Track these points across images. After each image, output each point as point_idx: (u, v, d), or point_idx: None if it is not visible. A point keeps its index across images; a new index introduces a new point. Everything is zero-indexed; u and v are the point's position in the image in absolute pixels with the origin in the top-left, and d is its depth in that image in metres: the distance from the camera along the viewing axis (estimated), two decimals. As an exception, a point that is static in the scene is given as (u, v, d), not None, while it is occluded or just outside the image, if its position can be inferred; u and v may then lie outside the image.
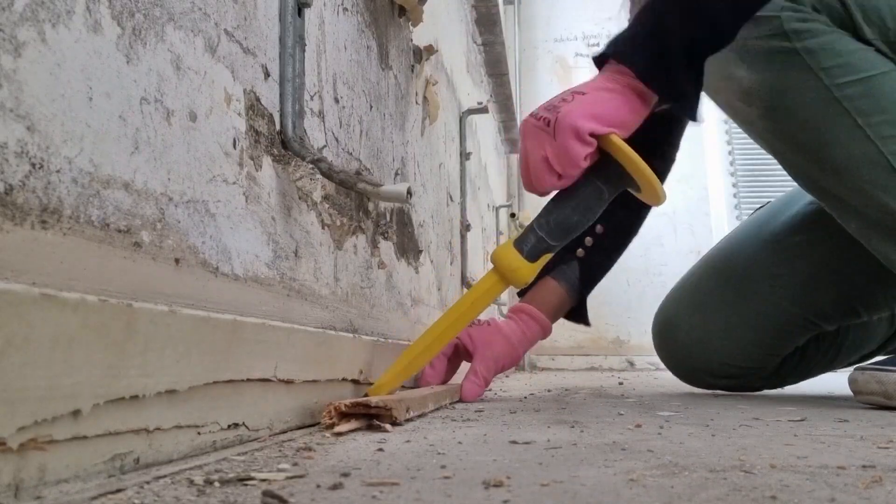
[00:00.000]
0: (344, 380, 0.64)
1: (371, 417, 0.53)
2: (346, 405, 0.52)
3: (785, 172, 0.85)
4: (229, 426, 0.43)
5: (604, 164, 0.64)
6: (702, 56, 0.68)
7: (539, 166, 0.64)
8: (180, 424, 0.37)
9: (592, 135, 0.63)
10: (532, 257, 0.63)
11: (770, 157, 0.86)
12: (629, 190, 0.68)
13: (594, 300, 0.97)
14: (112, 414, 0.32)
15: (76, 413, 0.29)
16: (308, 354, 0.55)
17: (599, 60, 0.70)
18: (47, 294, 0.28)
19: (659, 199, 0.66)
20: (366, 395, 0.63)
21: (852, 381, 0.75)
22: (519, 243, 0.64)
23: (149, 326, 0.34)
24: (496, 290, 0.66)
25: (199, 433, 0.39)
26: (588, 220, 0.66)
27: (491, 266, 0.67)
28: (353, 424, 0.52)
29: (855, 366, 0.77)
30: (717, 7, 0.69)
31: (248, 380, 0.45)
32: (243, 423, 0.45)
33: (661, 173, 0.94)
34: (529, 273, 0.64)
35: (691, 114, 0.69)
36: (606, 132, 0.63)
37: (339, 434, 0.49)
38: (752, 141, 0.89)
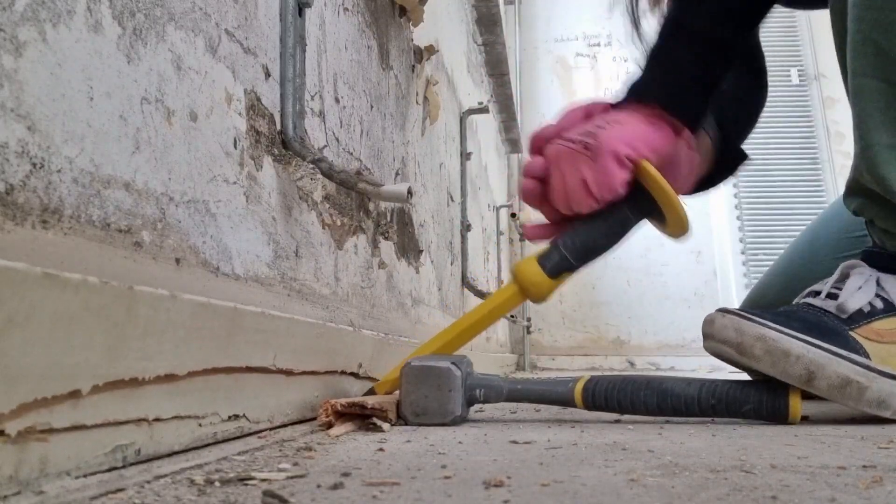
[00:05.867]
0: (343, 372, 0.65)
1: (366, 417, 0.53)
2: (341, 404, 0.52)
3: (785, 174, 0.83)
4: (230, 417, 0.43)
5: (633, 192, 0.65)
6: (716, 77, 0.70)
7: (578, 190, 0.64)
8: (180, 415, 0.37)
9: (629, 159, 0.63)
10: (553, 274, 0.64)
11: (770, 157, 0.84)
12: (652, 222, 0.68)
13: (593, 300, 0.94)
14: (111, 401, 0.32)
15: (75, 394, 0.29)
16: (307, 345, 0.55)
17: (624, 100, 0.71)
18: (49, 273, 0.28)
19: (685, 230, 0.67)
20: (371, 390, 0.63)
21: (707, 322, 0.63)
22: (542, 259, 0.65)
23: (149, 310, 0.35)
24: (514, 302, 0.66)
25: (199, 424, 0.40)
26: (612, 244, 0.68)
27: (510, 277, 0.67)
28: (349, 426, 0.52)
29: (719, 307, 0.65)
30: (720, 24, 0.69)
31: (248, 368, 0.45)
32: (244, 415, 0.45)
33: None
34: (549, 289, 0.65)
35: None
36: (644, 156, 0.64)
37: (336, 436, 0.49)
38: (752, 140, 0.88)
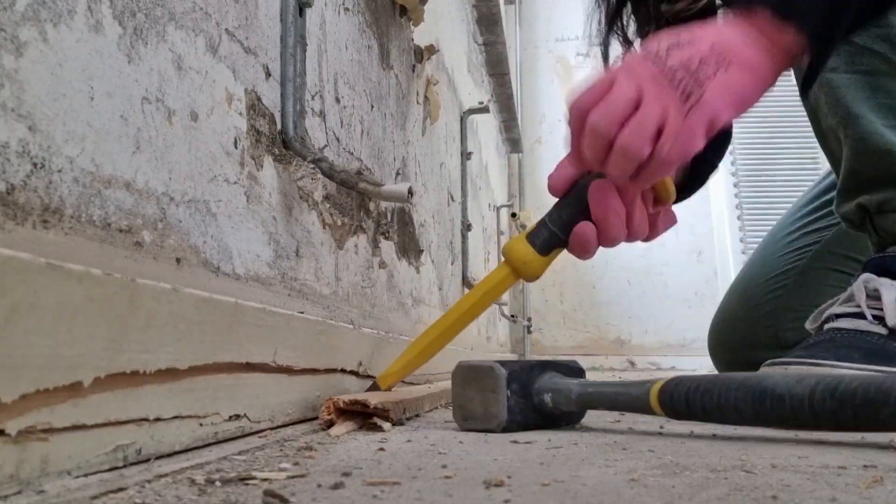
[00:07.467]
0: (343, 371, 0.65)
1: (367, 416, 0.53)
2: (343, 402, 0.52)
3: (785, 173, 0.83)
4: (231, 417, 0.43)
5: None
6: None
7: (644, 130, 0.51)
8: (181, 414, 0.37)
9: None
10: (544, 251, 0.63)
11: (771, 157, 0.84)
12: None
13: (594, 300, 0.94)
14: (112, 399, 0.32)
15: (77, 387, 0.29)
16: (307, 342, 0.55)
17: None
18: (53, 264, 0.28)
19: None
20: (372, 385, 0.63)
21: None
22: (531, 237, 0.63)
23: (151, 303, 0.35)
24: (507, 283, 0.65)
25: (200, 424, 0.40)
26: None
27: (502, 259, 0.66)
28: (349, 426, 0.52)
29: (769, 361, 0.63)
30: None
31: (248, 364, 0.45)
32: (245, 415, 0.45)
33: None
34: (541, 266, 0.63)
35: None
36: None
37: (336, 435, 0.49)
38: (753, 140, 0.87)
